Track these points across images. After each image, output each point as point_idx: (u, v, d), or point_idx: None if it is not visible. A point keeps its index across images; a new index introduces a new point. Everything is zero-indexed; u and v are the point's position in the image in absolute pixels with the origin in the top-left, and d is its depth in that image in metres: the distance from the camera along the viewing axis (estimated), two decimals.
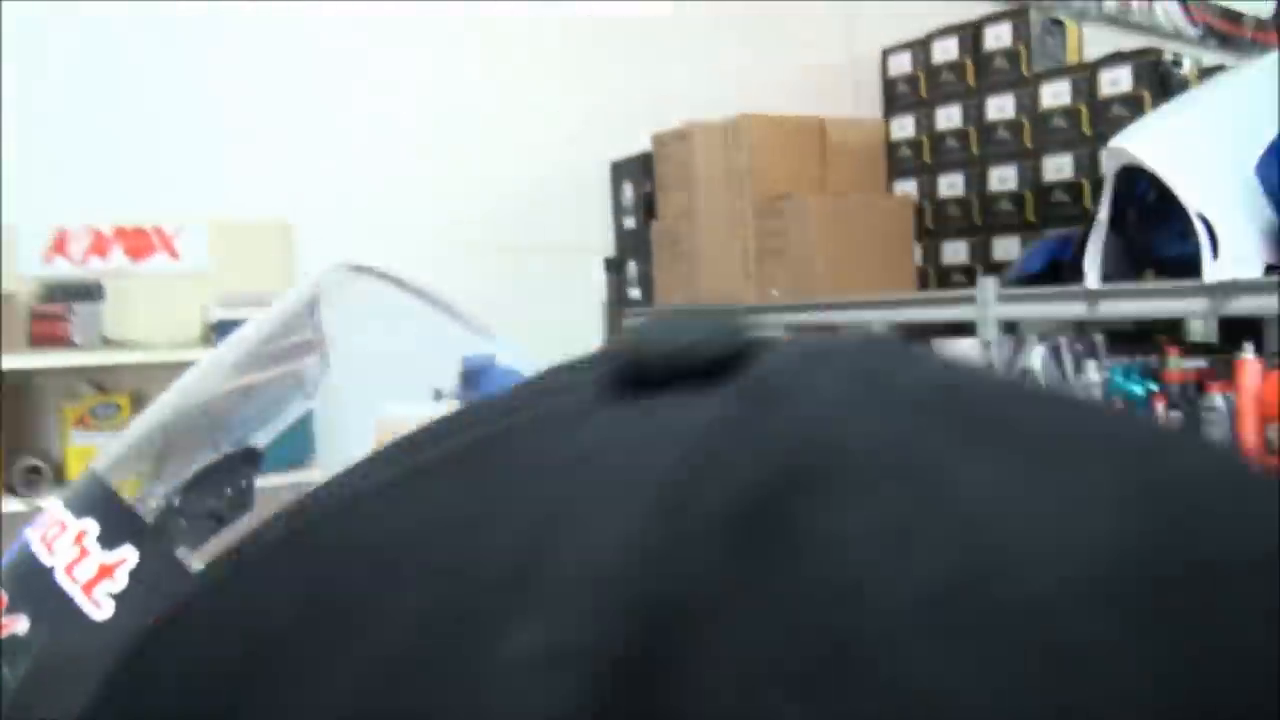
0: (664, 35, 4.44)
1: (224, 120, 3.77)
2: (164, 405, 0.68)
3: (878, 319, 3.58)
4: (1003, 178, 3.82)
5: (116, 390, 3.49)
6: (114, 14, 3.61)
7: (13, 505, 3.01)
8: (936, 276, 4.09)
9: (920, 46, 4.12)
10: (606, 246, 4.36)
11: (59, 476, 3.29)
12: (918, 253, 4.16)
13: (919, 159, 4.15)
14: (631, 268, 4.34)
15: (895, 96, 4.24)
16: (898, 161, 4.24)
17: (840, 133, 3.93)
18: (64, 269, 3.44)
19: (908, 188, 4.20)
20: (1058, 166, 3.63)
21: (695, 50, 4.46)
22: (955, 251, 4.03)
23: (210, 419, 0.70)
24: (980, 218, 3.93)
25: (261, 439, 0.69)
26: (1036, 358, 2.98)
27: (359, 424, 4.16)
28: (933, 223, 4.11)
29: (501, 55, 4.22)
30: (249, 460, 0.64)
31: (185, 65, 3.70)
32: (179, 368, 3.05)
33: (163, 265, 3.62)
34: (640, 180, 4.26)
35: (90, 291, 3.38)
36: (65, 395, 3.42)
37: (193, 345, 3.54)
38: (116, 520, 0.63)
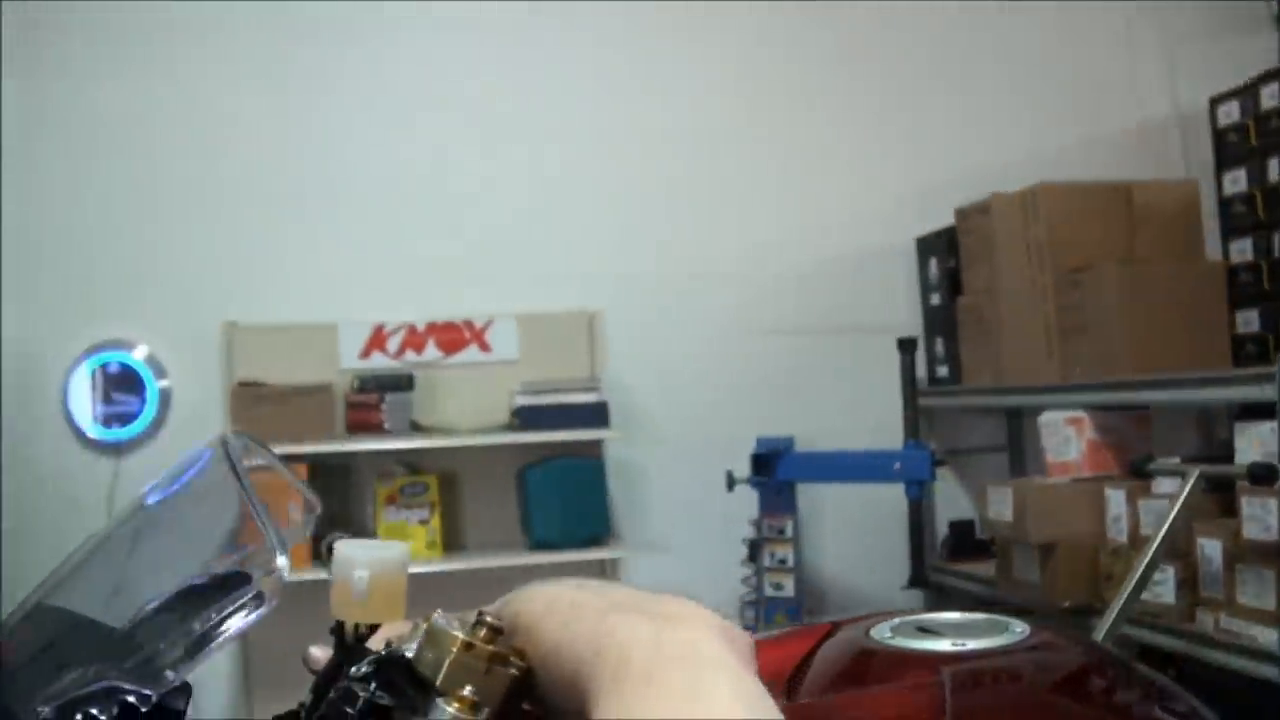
0: (972, 106, 4.29)
1: (533, 218, 4.06)
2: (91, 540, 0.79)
3: (1175, 399, 3.26)
4: None
5: (428, 470, 3.83)
6: (432, 136, 4.01)
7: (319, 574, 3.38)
8: (1276, 344, 3.64)
9: (1248, 93, 3.72)
10: (915, 324, 4.23)
11: None
12: (1255, 318, 3.73)
13: (1253, 214, 3.73)
14: (939, 345, 4.20)
15: (1225, 147, 3.85)
16: (1232, 218, 3.84)
17: (1148, 196, 3.62)
18: (381, 362, 3.84)
19: (1243, 247, 3.78)
20: None
21: (1008, 120, 4.28)
22: None
23: (152, 553, 0.80)
24: None
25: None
26: None
27: (659, 504, 4.27)
28: (1269, 284, 3.67)
29: (804, 138, 4.25)
30: (238, 583, 0.72)
31: (491, 177, 4.03)
32: (485, 450, 3.27)
33: (474, 356, 3.94)
34: (944, 256, 4.13)
35: (400, 382, 3.74)
36: (379, 476, 3.79)
37: (498, 429, 3.82)
38: None
